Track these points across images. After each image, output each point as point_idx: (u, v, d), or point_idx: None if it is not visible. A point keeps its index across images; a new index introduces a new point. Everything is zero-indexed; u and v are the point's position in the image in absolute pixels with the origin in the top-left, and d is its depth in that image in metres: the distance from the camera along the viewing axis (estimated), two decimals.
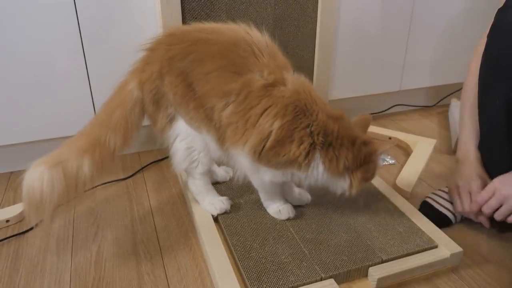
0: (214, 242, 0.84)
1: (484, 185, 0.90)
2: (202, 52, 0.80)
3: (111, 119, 0.84)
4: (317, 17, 1.18)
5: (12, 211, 0.98)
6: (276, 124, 0.75)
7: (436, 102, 1.63)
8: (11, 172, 1.18)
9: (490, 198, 0.86)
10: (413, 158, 1.22)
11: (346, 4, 1.27)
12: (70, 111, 1.13)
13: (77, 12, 1.04)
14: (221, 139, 0.83)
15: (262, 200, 0.94)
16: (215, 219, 0.92)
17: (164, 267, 0.84)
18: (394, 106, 1.57)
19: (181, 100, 0.83)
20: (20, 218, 0.98)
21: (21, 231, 0.94)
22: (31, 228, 0.95)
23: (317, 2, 1.16)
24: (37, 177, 0.75)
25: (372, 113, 1.56)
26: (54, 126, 1.13)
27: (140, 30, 1.09)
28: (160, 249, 0.89)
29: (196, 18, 1.06)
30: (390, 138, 1.37)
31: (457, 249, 0.83)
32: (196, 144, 0.88)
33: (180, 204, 1.04)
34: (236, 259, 0.81)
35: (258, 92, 0.77)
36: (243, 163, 0.83)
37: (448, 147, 1.33)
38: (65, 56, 1.08)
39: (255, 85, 0.77)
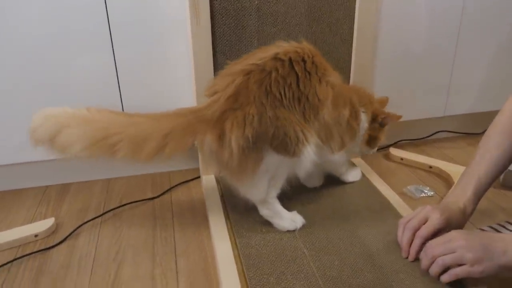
0: (230, 273, 0.81)
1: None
2: (319, 66, 0.88)
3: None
4: (352, 40, 1.14)
5: (41, 226, 1.01)
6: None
7: (484, 129, 1.50)
8: (47, 186, 1.23)
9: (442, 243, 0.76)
10: None
11: (387, 22, 1.22)
12: None
13: (109, 20, 1.08)
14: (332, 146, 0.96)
15: (343, 175, 1.12)
16: (235, 246, 0.90)
17: None
18: (437, 132, 1.48)
19: (289, 128, 0.83)
20: (49, 233, 1.01)
21: (47, 246, 0.96)
22: (58, 244, 0.97)
23: (353, 25, 1.12)
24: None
25: (413, 139, 1.47)
26: None
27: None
28: (177, 274, 0.88)
29: (227, 41, 1.05)
30: (430, 167, 1.28)
31: None
32: (280, 171, 0.89)
33: (203, 228, 1.02)
34: None
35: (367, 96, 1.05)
36: (335, 157, 1.00)
37: (496, 180, 1.21)
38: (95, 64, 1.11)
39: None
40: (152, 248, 0.96)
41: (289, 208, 0.96)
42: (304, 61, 0.85)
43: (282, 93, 0.82)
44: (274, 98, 0.82)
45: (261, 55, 0.85)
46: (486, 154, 0.89)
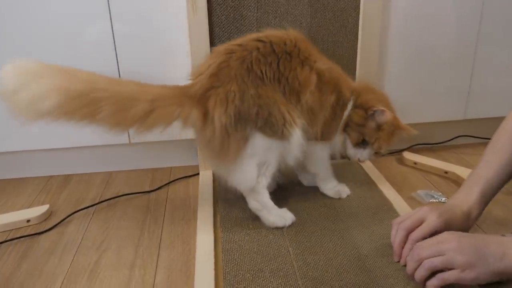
0: (206, 266, 0.78)
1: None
2: (303, 50, 0.84)
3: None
4: (358, 32, 1.08)
5: (35, 212, 1.01)
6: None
7: None
8: (50, 176, 1.24)
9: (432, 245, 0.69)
10: None
11: (398, 16, 1.15)
12: None
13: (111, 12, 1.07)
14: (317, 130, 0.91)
15: (321, 181, 1.01)
16: (219, 240, 0.86)
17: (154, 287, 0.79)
18: (457, 137, 1.37)
19: (274, 108, 0.81)
20: (41, 219, 1.01)
21: (37, 231, 0.96)
22: (48, 230, 0.97)
23: (358, 17, 1.06)
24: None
25: (431, 144, 1.37)
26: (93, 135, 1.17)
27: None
28: (157, 266, 0.85)
29: (225, 32, 1.03)
30: (446, 172, 1.19)
31: None
32: (269, 157, 0.85)
33: (192, 223, 0.99)
34: None
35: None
36: (317, 148, 0.93)
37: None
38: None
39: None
40: (138, 240, 0.94)
41: (281, 205, 0.92)
42: (285, 44, 0.83)
43: (264, 71, 0.80)
44: (256, 76, 0.80)
45: (244, 38, 0.84)
46: (495, 157, 0.82)
